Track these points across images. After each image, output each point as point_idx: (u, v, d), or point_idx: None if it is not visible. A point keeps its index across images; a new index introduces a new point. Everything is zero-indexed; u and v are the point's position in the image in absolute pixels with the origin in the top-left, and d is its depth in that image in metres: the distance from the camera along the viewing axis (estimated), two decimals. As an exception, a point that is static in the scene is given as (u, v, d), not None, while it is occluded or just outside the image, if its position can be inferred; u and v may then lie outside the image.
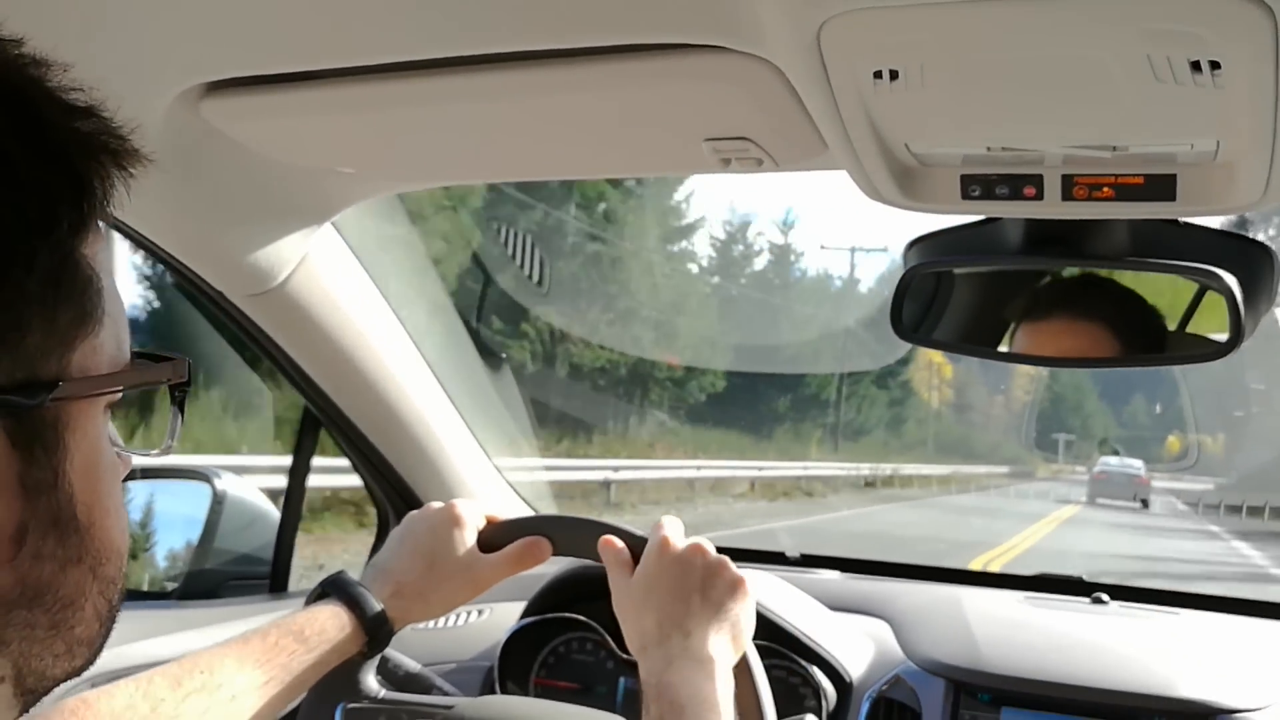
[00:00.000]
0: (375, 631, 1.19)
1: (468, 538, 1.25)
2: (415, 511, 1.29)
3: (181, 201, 1.37)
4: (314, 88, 1.14)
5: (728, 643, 1.09)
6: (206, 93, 1.18)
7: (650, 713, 1.03)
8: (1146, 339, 1.33)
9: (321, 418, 1.81)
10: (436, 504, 1.29)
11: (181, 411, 0.75)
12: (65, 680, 0.67)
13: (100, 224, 0.65)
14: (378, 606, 1.19)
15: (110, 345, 0.65)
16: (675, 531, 1.16)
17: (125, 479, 0.71)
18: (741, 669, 1.11)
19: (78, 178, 0.62)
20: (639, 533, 1.19)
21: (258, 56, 1.09)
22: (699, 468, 20.54)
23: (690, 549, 1.13)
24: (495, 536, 1.26)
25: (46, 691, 0.67)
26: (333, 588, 1.20)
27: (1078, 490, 30.09)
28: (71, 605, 0.64)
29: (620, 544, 1.18)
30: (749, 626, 1.13)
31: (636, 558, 1.16)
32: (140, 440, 0.78)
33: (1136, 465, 29.73)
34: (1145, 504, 27.08)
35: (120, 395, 0.68)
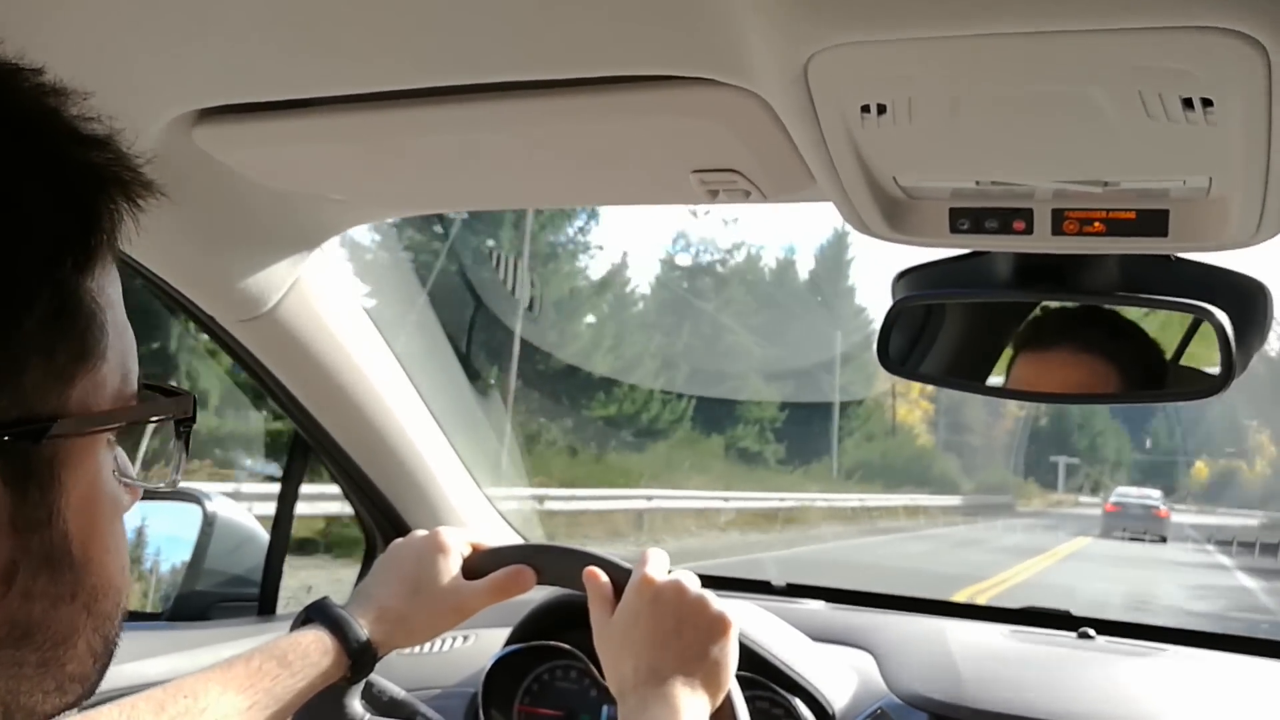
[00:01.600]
0: (359, 657, 1.18)
1: (452, 565, 1.25)
2: (401, 539, 1.29)
3: (173, 227, 1.37)
4: (306, 116, 1.14)
5: (706, 684, 1.08)
6: (199, 119, 1.18)
7: None
8: (1143, 372, 1.33)
9: (311, 443, 1.81)
10: (422, 531, 1.29)
11: (187, 446, 0.74)
12: (56, 715, 0.66)
13: (108, 259, 0.64)
14: (362, 632, 1.18)
15: (114, 379, 0.64)
16: (658, 567, 1.15)
17: None
18: (724, 711, 1.10)
19: (86, 214, 0.61)
20: (625, 564, 1.18)
21: (251, 84, 1.09)
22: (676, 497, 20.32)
23: (671, 586, 1.12)
24: (480, 564, 1.26)
25: None
26: (317, 613, 1.20)
27: (1077, 526, 27.57)
28: (64, 643, 0.63)
29: (604, 578, 1.17)
30: (730, 666, 1.11)
31: (620, 590, 1.15)
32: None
33: (1155, 496, 27.98)
34: (1163, 539, 25.33)
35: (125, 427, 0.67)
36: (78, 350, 0.61)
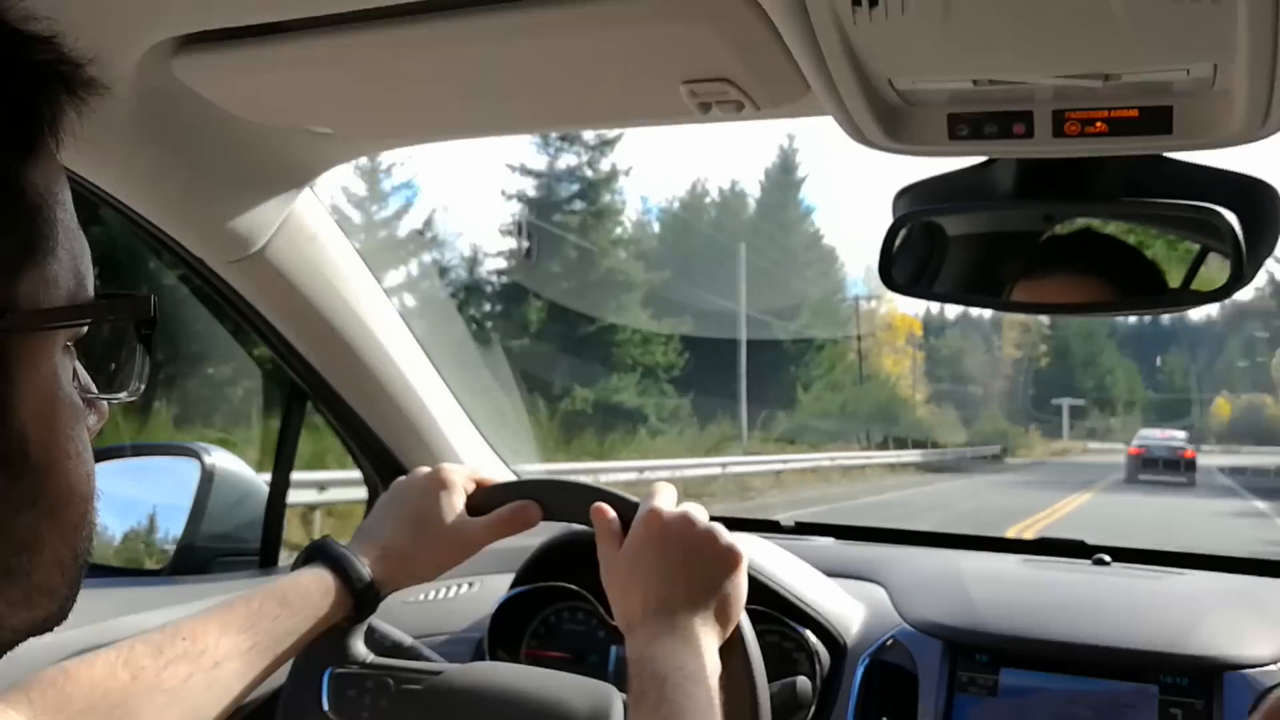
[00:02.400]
0: (361, 596, 1.17)
1: (456, 502, 1.23)
2: (403, 477, 1.28)
3: (157, 166, 1.35)
4: (285, 41, 1.12)
5: (716, 617, 1.07)
6: (178, 49, 1.15)
7: (632, 687, 1.01)
8: (1155, 284, 1.30)
9: (306, 388, 1.79)
10: (424, 469, 1.27)
11: (149, 351, 0.72)
12: (29, 633, 0.64)
13: (49, 155, 0.63)
14: (364, 570, 1.17)
15: (67, 280, 0.63)
16: (666, 500, 1.13)
17: (107, 455, 0.69)
18: (733, 643, 1.09)
19: (24, 105, 0.60)
20: (632, 499, 1.16)
21: (228, 6, 1.06)
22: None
23: (680, 519, 1.10)
24: (484, 500, 1.24)
25: (9, 644, 0.64)
26: (318, 553, 1.18)
27: (1084, 476, 26.47)
28: (26, 550, 0.62)
29: (611, 513, 1.15)
30: (739, 599, 1.09)
31: (628, 525, 1.13)
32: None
33: (1179, 437, 27.37)
34: (1192, 480, 24.86)
35: (83, 331, 0.66)
36: (24, 241, 0.59)
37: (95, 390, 0.69)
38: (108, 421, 0.71)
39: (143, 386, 0.71)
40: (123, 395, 0.71)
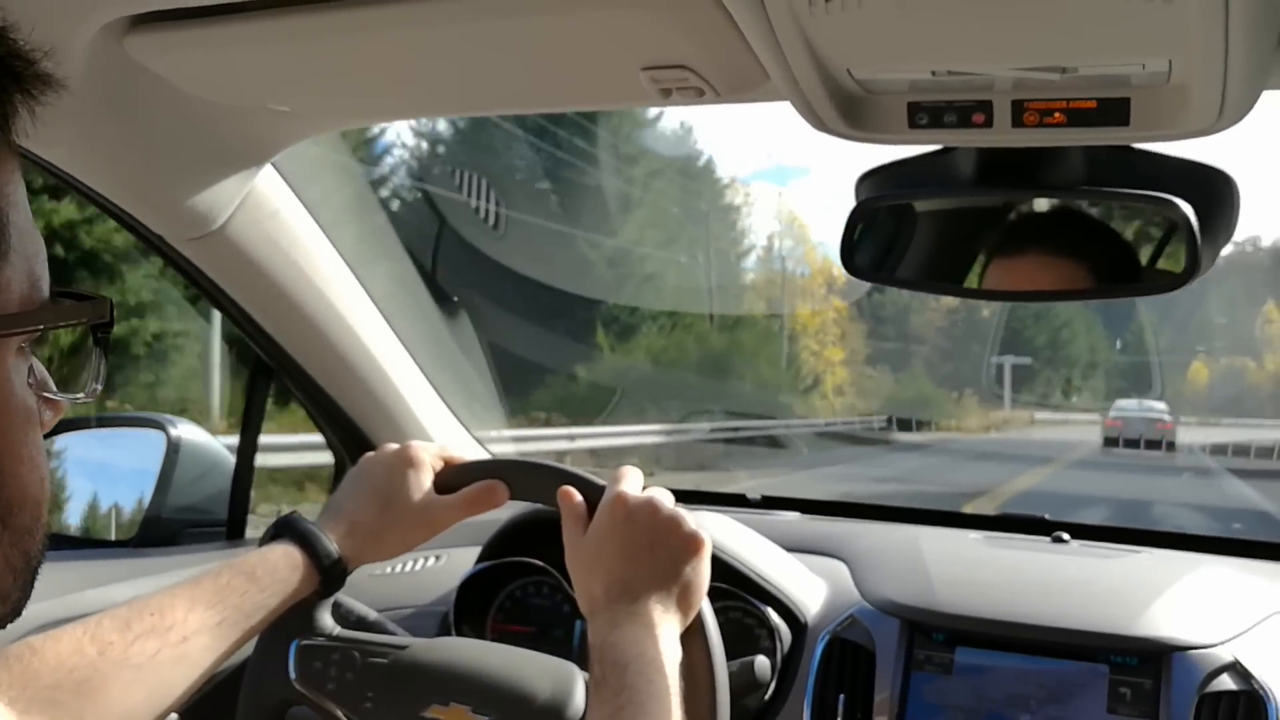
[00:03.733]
0: (329, 571, 1.18)
1: (424, 479, 1.23)
2: (371, 453, 1.28)
3: (114, 144, 1.34)
4: (242, 21, 1.10)
5: (678, 603, 1.07)
6: (131, 27, 1.13)
7: (593, 673, 1.02)
8: (1114, 270, 1.31)
9: (272, 364, 1.78)
10: (393, 445, 1.27)
11: (105, 352, 0.71)
12: None
13: (4, 155, 0.62)
14: (331, 546, 1.17)
15: (19, 283, 0.62)
16: (632, 484, 1.13)
17: (71, 426, 0.69)
18: (694, 630, 1.09)
19: None
20: (599, 481, 1.17)
21: None
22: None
23: (644, 505, 1.10)
24: (452, 478, 1.25)
25: None
26: (285, 528, 1.19)
27: (1018, 463, 19.55)
28: None
29: (577, 496, 1.15)
30: (702, 586, 1.10)
31: (593, 509, 1.13)
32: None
33: (1159, 408, 25.63)
34: (1171, 446, 23.58)
35: (38, 334, 0.65)
36: None
37: (54, 390, 0.69)
38: None
39: (99, 387, 0.71)
40: (80, 395, 0.71)
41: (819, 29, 0.95)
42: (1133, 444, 23.82)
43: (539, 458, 1.31)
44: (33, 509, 0.64)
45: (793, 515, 1.93)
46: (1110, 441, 24.38)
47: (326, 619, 1.23)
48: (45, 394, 0.68)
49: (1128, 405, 26.98)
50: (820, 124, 1.13)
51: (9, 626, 0.67)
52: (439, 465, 1.25)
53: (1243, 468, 19.92)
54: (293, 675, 1.20)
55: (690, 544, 1.09)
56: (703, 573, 1.10)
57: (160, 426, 1.81)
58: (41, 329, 0.65)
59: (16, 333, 0.62)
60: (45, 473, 0.66)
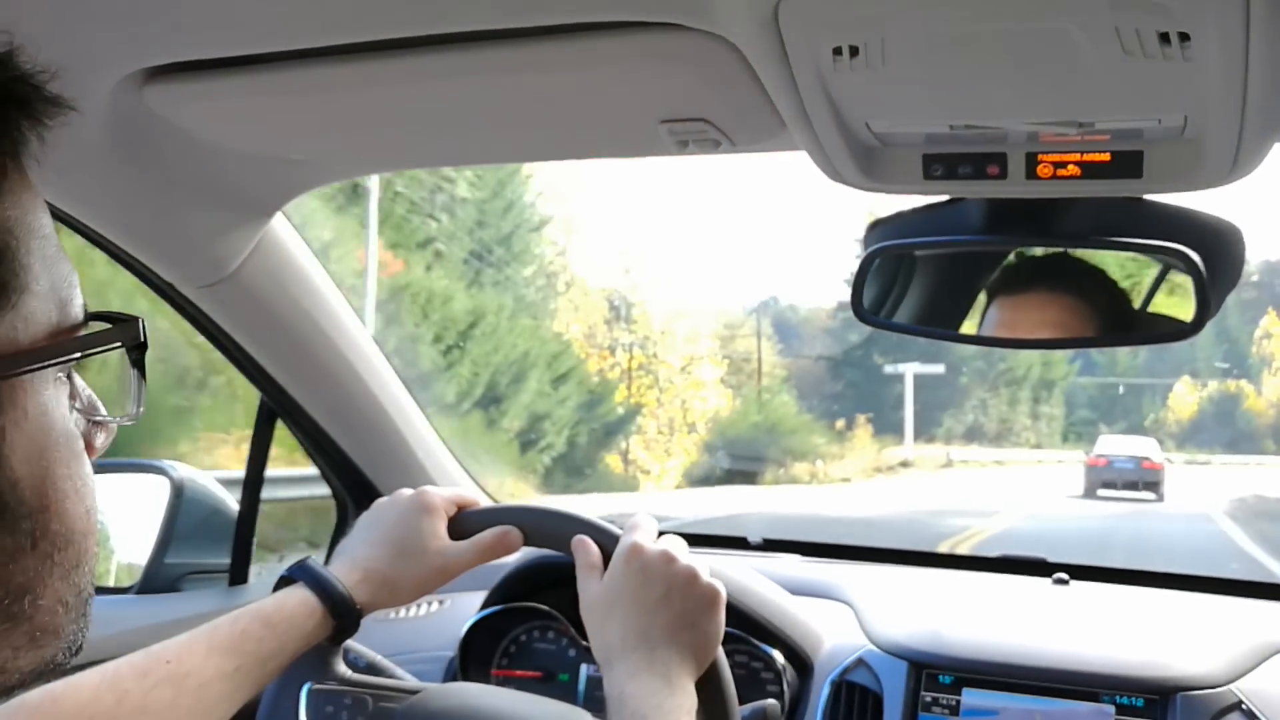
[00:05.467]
0: (343, 618, 1.16)
1: (438, 525, 1.21)
2: (385, 498, 1.26)
3: (129, 191, 1.34)
4: (260, 72, 1.11)
5: (693, 654, 1.07)
6: (150, 78, 1.14)
7: None
8: (1115, 316, 1.32)
9: (278, 410, 1.78)
10: (408, 490, 1.25)
11: (142, 374, 0.70)
12: (40, 672, 0.64)
13: (17, 184, 0.60)
14: (346, 593, 1.16)
15: (47, 313, 0.61)
16: (647, 534, 1.13)
17: None
18: (709, 679, 1.09)
19: None
20: (614, 530, 1.16)
21: (201, 40, 1.06)
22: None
23: (660, 556, 1.09)
24: (466, 525, 1.23)
25: (21, 685, 0.63)
26: (301, 573, 1.17)
27: None
28: (28, 593, 0.60)
29: (592, 545, 1.14)
30: (717, 637, 1.09)
31: (608, 558, 1.12)
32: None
33: (1147, 445, 23.33)
34: (1160, 497, 21.09)
35: (72, 363, 0.64)
36: None
37: (103, 413, 0.67)
38: None
39: (141, 410, 0.70)
40: (125, 418, 0.70)
41: (841, 84, 0.96)
42: (1111, 484, 22.04)
43: (553, 505, 1.31)
44: (80, 542, 0.63)
45: (793, 558, 1.93)
46: (1101, 484, 22.29)
47: (338, 663, 1.23)
48: (94, 418, 0.67)
49: (1112, 442, 24.40)
50: (836, 174, 1.15)
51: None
52: (453, 510, 1.24)
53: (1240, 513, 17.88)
54: None
55: (707, 595, 1.09)
56: (718, 624, 1.10)
57: (163, 472, 1.81)
58: (71, 359, 0.63)
59: (45, 365, 0.61)
60: (92, 503, 0.64)
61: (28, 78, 0.60)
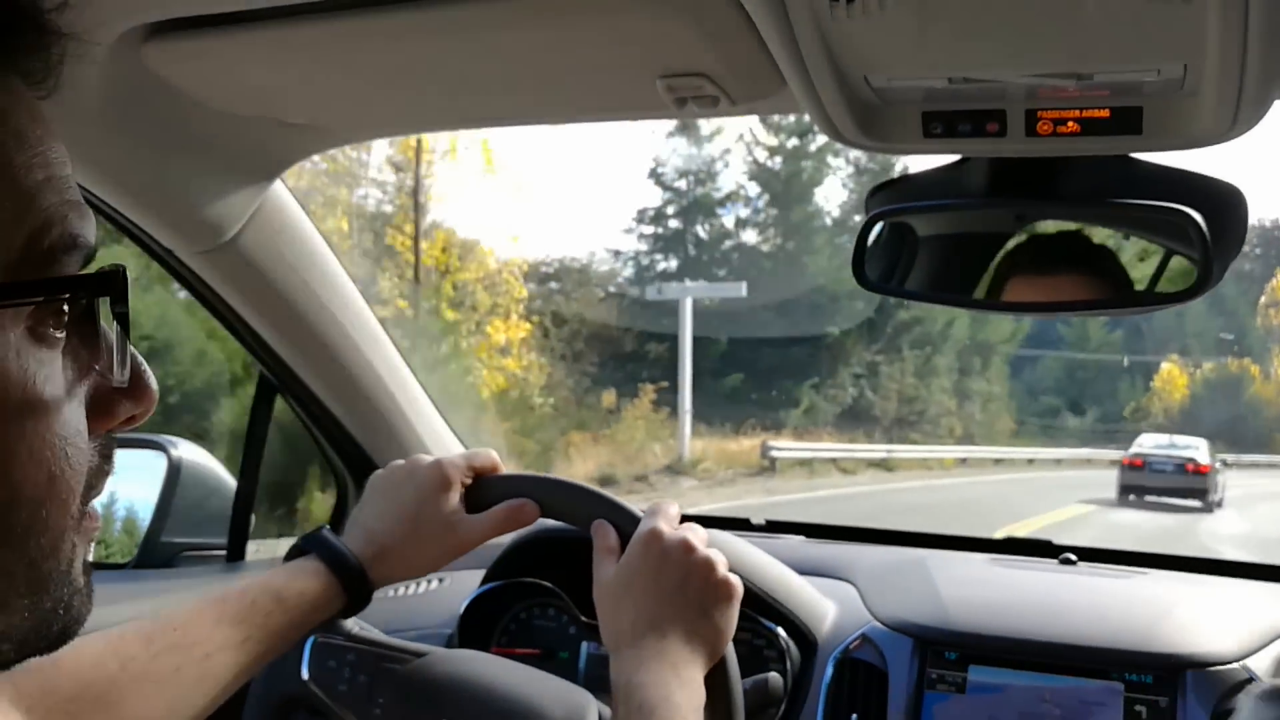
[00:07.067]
0: (356, 593, 1.15)
1: (453, 498, 1.18)
2: (399, 464, 1.23)
3: (127, 154, 1.33)
4: (257, 30, 1.10)
5: (704, 646, 1.05)
6: (148, 36, 1.13)
7: (618, 713, 1.00)
8: (1123, 285, 1.31)
9: (275, 382, 1.77)
10: (425, 458, 1.22)
11: (125, 329, 0.63)
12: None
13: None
14: (359, 566, 1.15)
15: (9, 247, 0.56)
16: (667, 521, 1.11)
17: None
18: (717, 672, 1.08)
19: None
20: (636, 511, 1.14)
21: None
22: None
23: (680, 544, 1.07)
24: (485, 493, 1.21)
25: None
26: (314, 545, 1.16)
27: None
28: None
29: (611, 529, 1.13)
30: (729, 631, 1.08)
31: (626, 540, 1.11)
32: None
33: (1194, 446, 19.63)
34: (1208, 505, 18.01)
35: (39, 305, 0.58)
36: None
37: (123, 377, 0.62)
38: None
39: (128, 373, 0.64)
40: (115, 382, 0.64)
41: (839, 34, 0.95)
42: (1152, 489, 18.65)
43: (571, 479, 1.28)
44: (32, 509, 0.58)
45: (797, 539, 1.92)
46: (1133, 491, 19.14)
47: (345, 621, 1.22)
48: (118, 383, 0.62)
49: (1150, 443, 20.62)
50: (836, 133, 1.14)
51: None
52: (469, 478, 1.21)
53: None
54: (306, 674, 1.20)
55: (722, 589, 1.07)
56: (731, 618, 1.08)
57: (161, 448, 1.80)
58: (27, 302, 0.57)
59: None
60: (60, 469, 0.59)
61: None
